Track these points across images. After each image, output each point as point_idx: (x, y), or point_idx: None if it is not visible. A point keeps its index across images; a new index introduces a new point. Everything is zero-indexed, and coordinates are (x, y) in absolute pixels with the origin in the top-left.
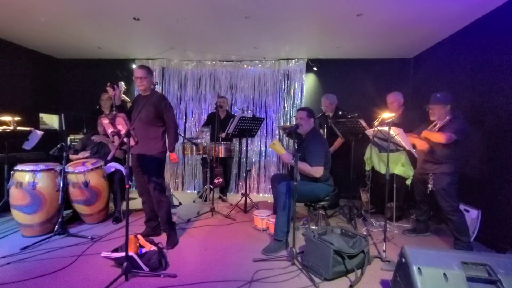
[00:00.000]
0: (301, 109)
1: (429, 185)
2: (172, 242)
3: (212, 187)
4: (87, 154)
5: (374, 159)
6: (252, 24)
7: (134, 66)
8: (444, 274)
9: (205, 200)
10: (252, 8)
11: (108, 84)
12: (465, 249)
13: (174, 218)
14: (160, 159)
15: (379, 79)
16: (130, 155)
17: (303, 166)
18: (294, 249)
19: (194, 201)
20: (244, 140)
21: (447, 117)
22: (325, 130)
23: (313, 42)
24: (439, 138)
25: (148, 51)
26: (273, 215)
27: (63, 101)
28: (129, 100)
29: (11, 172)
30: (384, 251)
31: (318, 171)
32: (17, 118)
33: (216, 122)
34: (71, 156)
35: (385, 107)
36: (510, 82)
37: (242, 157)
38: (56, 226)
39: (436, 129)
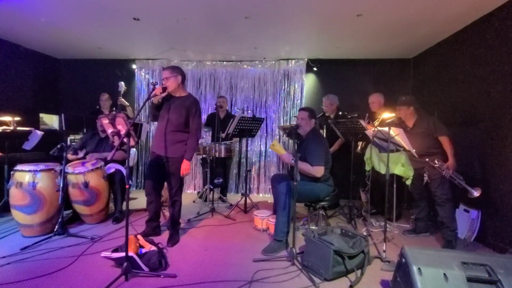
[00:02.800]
0: (302, 109)
1: (424, 176)
2: (174, 240)
3: (212, 187)
4: (81, 154)
5: (374, 159)
6: (252, 24)
7: (134, 66)
8: (444, 274)
9: (205, 200)
10: (252, 8)
11: (158, 84)
12: (454, 237)
13: None
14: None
15: (379, 79)
16: (150, 155)
17: (304, 166)
18: (294, 249)
19: (194, 201)
20: (244, 140)
21: (415, 117)
22: (325, 130)
23: (313, 42)
24: (450, 147)
25: (148, 51)
26: (273, 215)
27: (63, 101)
28: (128, 104)
29: (11, 172)
30: (384, 251)
31: (319, 170)
32: (17, 118)
33: (216, 122)
34: (69, 156)
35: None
36: (509, 82)
37: (242, 157)
38: (56, 226)
39: (409, 129)
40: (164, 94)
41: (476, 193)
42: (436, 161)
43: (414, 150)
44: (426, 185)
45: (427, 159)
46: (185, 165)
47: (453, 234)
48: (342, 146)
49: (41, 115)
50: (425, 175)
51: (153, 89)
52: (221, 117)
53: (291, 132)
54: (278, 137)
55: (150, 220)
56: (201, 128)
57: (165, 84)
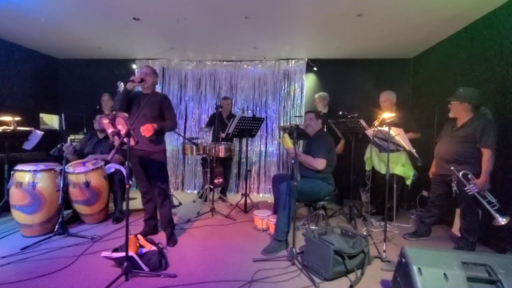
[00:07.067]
0: (308, 111)
1: (453, 186)
2: (173, 240)
3: (212, 187)
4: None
5: (374, 159)
6: (252, 24)
7: (134, 66)
8: (445, 274)
9: (205, 200)
10: (252, 8)
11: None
12: (467, 247)
13: (175, 218)
14: (164, 158)
15: (379, 79)
16: (132, 154)
17: (307, 159)
18: (294, 249)
19: (194, 201)
20: (244, 140)
21: (469, 116)
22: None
23: (313, 42)
24: (488, 164)
25: (148, 51)
26: (273, 215)
27: (63, 101)
28: None
29: (11, 172)
30: (384, 251)
31: (320, 163)
32: (17, 118)
33: (217, 122)
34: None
35: (378, 106)
36: (509, 82)
37: (242, 157)
38: (56, 226)
39: (455, 129)
40: (139, 84)
41: (503, 222)
42: (461, 172)
43: (414, 150)
44: (448, 194)
45: (452, 168)
46: (149, 127)
47: (469, 245)
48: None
49: (41, 115)
50: (453, 184)
51: (132, 80)
52: (224, 116)
53: (291, 132)
54: (278, 137)
55: (149, 218)
56: (176, 117)
57: (143, 77)
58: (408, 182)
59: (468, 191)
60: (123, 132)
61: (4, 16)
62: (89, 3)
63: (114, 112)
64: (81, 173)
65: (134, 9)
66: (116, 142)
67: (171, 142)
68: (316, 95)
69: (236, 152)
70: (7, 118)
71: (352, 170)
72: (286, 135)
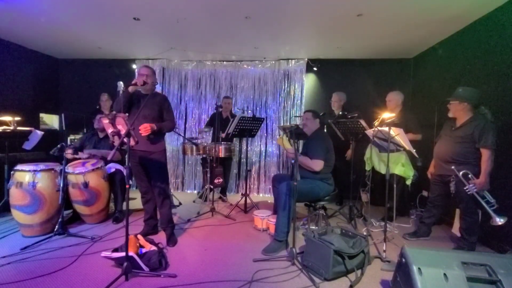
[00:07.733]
0: (306, 111)
1: (450, 186)
2: (173, 240)
3: (212, 187)
4: (85, 155)
5: (374, 159)
6: (252, 24)
7: (134, 66)
8: (444, 274)
9: (205, 200)
10: (252, 8)
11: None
12: (467, 247)
13: (175, 218)
14: (164, 158)
15: (379, 79)
16: (131, 154)
17: (304, 160)
18: (294, 249)
19: (194, 201)
20: (244, 140)
21: (468, 116)
22: (325, 129)
23: (313, 42)
24: (487, 164)
25: (148, 51)
26: (273, 215)
27: (63, 101)
28: None
29: (11, 172)
30: (384, 251)
31: (317, 164)
32: (17, 118)
33: (217, 122)
34: (68, 156)
35: (384, 106)
36: (509, 82)
37: (242, 157)
38: (56, 226)
39: (454, 128)
40: (140, 87)
41: (500, 222)
42: (461, 172)
43: (414, 150)
44: (447, 194)
45: (452, 167)
46: (147, 126)
47: (469, 245)
48: (342, 146)
49: (41, 115)
50: (451, 184)
51: (134, 83)
52: (224, 117)
53: (292, 132)
54: (278, 136)
55: (149, 218)
56: (174, 118)
57: (145, 80)
58: (408, 182)
59: (468, 190)
60: (123, 132)
61: (4, 16)
62: (89, 3)
63: (114, 112)
64: (80, 174)
65: (134, 9)
66: (116, 142)
67: (171, 142)
68: (334, 94)
69: (236, 152)
70: (7, 118)
71: (352, 170)
72: (283, 136)
